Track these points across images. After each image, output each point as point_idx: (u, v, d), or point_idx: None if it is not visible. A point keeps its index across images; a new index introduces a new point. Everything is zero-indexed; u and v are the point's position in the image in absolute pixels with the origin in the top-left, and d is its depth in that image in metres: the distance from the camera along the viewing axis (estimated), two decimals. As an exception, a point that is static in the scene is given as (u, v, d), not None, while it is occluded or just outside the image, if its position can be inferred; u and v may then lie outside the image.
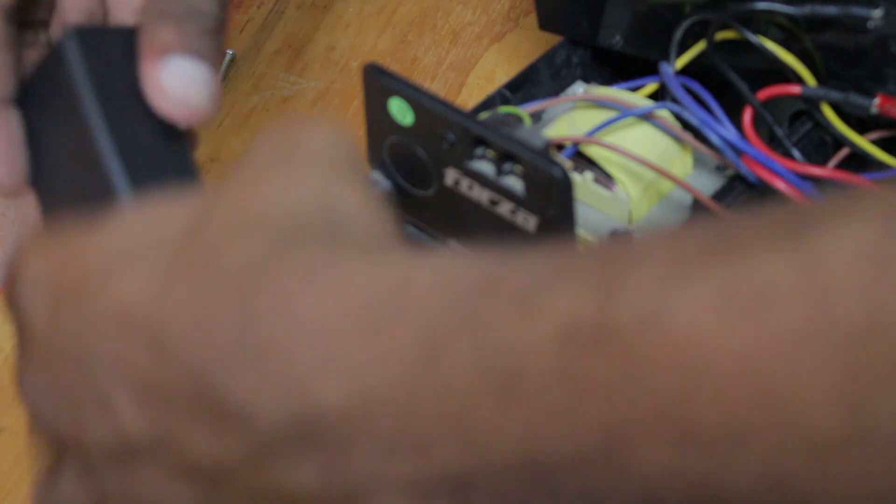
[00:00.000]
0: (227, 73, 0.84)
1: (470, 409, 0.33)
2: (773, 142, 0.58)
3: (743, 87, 0.58)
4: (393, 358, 0.33)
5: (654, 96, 0.61)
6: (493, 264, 0.34)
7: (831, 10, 0.57)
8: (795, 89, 0.58)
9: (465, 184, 0.54)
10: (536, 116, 0.63)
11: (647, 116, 0.60)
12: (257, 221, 0.36)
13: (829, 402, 0.30)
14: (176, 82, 0.46)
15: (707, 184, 0.59)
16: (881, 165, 0.59)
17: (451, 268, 0.34)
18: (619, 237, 0.32)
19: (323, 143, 0.38)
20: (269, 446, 0.35)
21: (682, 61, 0.60)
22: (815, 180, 0.57)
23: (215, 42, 0.48)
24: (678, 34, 0.60)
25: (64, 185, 0.47)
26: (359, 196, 0.37)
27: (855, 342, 0.29)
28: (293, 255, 0.35)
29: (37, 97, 0.48)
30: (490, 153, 0.53)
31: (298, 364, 0.34)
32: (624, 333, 0.31)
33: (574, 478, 0.33)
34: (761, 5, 0.57)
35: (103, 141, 0.44)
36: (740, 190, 0.58)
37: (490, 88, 0.71)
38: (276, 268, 0.35)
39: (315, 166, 0.38)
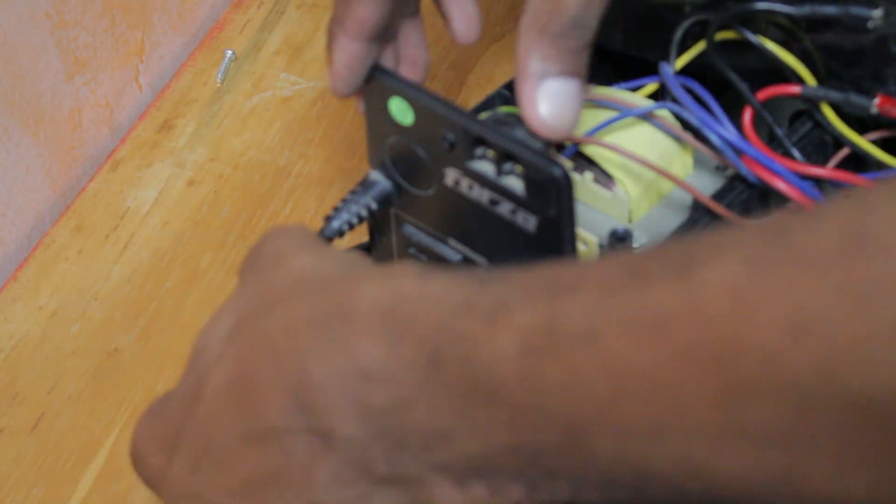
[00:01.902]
0: (227, 73, 0.84)
1: (468, 408, 0.41)
2: (773, 142, 0.58)
3: (743, 87, 0.58)
4: (410, 368, 0.42)
5: (654, 96, 0.61)
6: (472, 286, 0.42)
7: (831, 10, 0.57)
8: (795, 89, 0.58)
9: (465, 184, 0.54)
10: (536, 116, 0.63)
11: (647, 116, 0.59)
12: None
13: (707, 403, 0.38)
14: (550, 105, 0.52)
15: (707, 184, 0.59)
16: (881, 165, 0.59)
17: (440, 291, 0.43)
18: (552, 264, 0.43)
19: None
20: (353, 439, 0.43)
21: (682, 61, 0.60)
22: (815, 180, 0.57)
23: (587, 54, 0.53)
24: (678, 34, 0.60)
25: None
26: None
27: (724, 360, 0.37)
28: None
29: None
30: (490, 153, 0.53)
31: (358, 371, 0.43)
32: (566, 348, 0.39)
33: (556, 461, 0.41)
34: (761, 5, 0.57)
35: None
36: (740, 190, 0.58)
37: (490, 88, 0.71)
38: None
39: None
